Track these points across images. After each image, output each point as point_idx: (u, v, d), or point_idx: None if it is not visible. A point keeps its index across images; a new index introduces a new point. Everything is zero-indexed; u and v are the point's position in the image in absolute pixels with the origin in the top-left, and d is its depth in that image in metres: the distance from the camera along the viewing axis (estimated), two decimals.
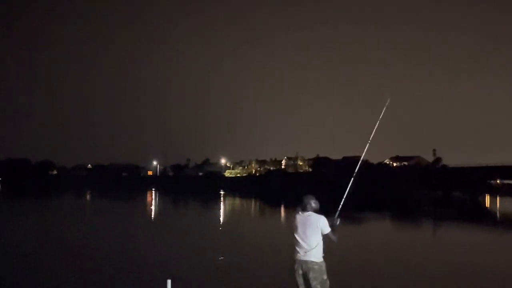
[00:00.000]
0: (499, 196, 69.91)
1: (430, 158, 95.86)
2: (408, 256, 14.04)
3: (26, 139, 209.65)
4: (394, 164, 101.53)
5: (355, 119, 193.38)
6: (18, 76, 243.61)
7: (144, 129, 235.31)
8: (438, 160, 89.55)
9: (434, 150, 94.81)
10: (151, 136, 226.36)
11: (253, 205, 44.41)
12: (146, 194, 62.06)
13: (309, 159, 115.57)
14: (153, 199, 50.34)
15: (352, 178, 6.59)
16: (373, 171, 69.10)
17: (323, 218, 5.89)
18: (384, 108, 6.96)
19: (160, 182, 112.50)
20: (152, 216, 28.14)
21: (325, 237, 5.91)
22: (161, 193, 66.15)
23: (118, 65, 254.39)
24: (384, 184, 66.29)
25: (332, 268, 6.07)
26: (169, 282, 6.00)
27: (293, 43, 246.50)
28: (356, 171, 6.72)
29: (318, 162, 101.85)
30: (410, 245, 17.06)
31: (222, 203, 44.55)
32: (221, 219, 27.13)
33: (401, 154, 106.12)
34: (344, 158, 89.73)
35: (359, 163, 6.87)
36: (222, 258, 12.34)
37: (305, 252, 5.82)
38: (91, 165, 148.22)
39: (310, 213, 5.96)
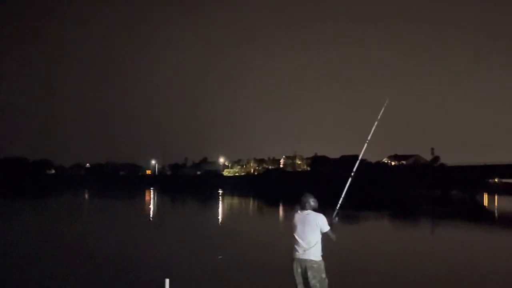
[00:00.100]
0: (497, 195, 70.06)
1: (428, 157, 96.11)
2: (407, 256, 14.03)
3: (23, 138, 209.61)
4: (392, 163, 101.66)
5: (354, 118, 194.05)
6: (16, 75, 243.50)
7: (142, 128, 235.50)
8: (436, 159, 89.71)
9: (432, 149, 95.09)
10: (149, 135, 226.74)
11: (251, 204, 44.39)
12: (145, 193, 62.01)
13: (307, 158, 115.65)
14: (151, 198, 50.30)
15: (350, 178, 6.60)
16: (371, 170, 69.16)
17: (322, 217, 5.91)
18: (383, 109, 7.00)
19: (158, 181, 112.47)
20: (151, 216, 28.11)
21: (324, 236, 5.91)
22: (159, 192, 66.11)
23: (116, 64, 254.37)
24: (382, 183, 66.38)
25: (331, 267, 6.07)
26: (167, 281, 5.99)
27: (292, 43, 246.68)
28: (354, 170, 6.73)
29: (316, 161, 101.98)
30: (409, 244, 17.06)
31: (220, 202, 44.55)
32: (220, 218, 27.13)
33: (399, 153, 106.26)
34: (342, 157, 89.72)
35: (357, 162, 6.88)
36: (220, 257, 12.33)
37: (304, 251, 5.83)
38: (89, 164, 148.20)
39: (309, 211, 5.97)
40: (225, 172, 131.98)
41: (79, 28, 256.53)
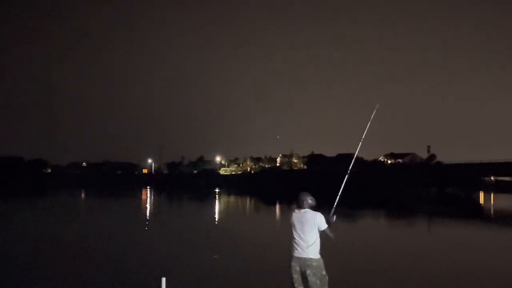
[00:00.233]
0: (492, 192, 70.27)
1: (424, 155, 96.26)
2: (404, 254, 14.05)
3: (19, 137, 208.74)
4: (389, 161, 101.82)
5: (350, 116, 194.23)
6: (15, 75, 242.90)
7: (139, 127, 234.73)
8: (432, 157, 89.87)
9: (429, 147, 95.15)
10: (146, 134, 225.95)
11: (248, 203, 44.40)
12: (141, 192, 61.93)
13: (304, 157, 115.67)
14: (148, 197, 50.24)
15: (347, 176, 6.62)
16: (367, 168, 69.29)
17: (320, 215, 5.92)
18: (373, 114, 7.18)
19: (155, 180, 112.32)
20: (147, 214, 28.07)
21: (322, 234, 5.93)
22: (156, 191, 66.03)
23: (113, 63, 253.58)
24: (379, 181, 66.48)
25: (329, 266, 6.07)
26: (163, 280, 5.98)
27: (288, 42, 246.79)
28: (350, 168, 6.76)
29: (313, 160, 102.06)
30: (406, 242, 17.09)
31: (217, 201, 44.52)
32: (216, 216, 27.11)
33: (395, 151, 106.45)
34: (338, 155, 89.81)
35: (353, 160, 6.94)
36: (216, 256, 12.31)
37: (303, 249, 5.85)
38: (86, 163, 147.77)
39: (307, 210, 5.98)
40: (222, 171, 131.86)
41: (79, 28, 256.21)
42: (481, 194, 64.30)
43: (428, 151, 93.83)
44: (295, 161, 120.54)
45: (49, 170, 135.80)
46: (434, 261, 12.32)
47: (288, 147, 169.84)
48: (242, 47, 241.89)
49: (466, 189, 65.20)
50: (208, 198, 47.97)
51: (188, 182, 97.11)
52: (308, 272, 5.79)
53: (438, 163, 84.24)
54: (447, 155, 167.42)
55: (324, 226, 5.89)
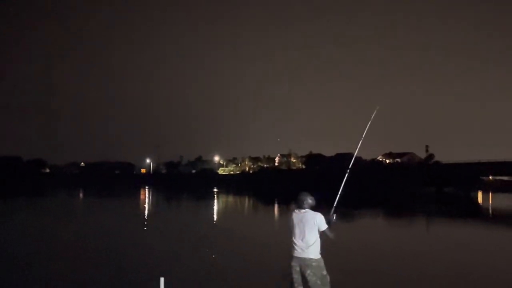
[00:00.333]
0: (491, 192, 70.35)
1: (422, 155, 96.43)
2: (403, 254, 14.05)
3: (18, 137, 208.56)
4: (387, 161, 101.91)
5: (349, 116, 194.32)
6: (13, 75, 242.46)
7: (137, 127, 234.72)
8: (430, 156, 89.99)
9: (427, 146, 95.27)
10: (144, 134, 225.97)
11: (246, 203, 44.38)
12: (140, 192, 61.87)
13: (302, 156, 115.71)
14: (146, 197, 50.18)
15: (347, 174, 6.61)
16: (366, 168, 69.30)
17: (320, 215, 5.92)
18: (372, 116, 7.24)
19: (153, 179, 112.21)
20: (146, 214, 28.04)
21: (322, 235, 5.91)
22: (154, 191, 65.97)
23: (113, 63, 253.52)
24: (377, 181, 66.48)
25: (329, 267, 6.06)
26: (162, 280, 5.97)
27: (286, 41, 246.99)
28: (349, 167, 6.76)
29: (311, 159, 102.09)
30: (405, 242, 17.09)
31: (215, 200, 44.50)
32: (215, 216, 27.09)
33: (394, 151, 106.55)
34: (337, 154, 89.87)
35: (353, 159, 6.94)
36: (214, 256, 12.31)
37: (303, 250, 5.84)
38: (84, 163, 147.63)
39: (307, 210, 5.98)
40: (220, 171, 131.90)
41: (79, 28, 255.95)
42: (480, 194, 64.37)
43: (427, 150, 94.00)
44: (294, 160, 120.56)
45: (48, 170, 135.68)
46: (433, 261, 12.33)
47: (287, 146, 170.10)
48: (242, 47, 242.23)
49: (465, 188, 65.25)
50: (207, 198, 47.93)
51: (186, 182, 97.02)
52: (308, 272, 5.78)
53: (437, 162, 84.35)
54: (446, 155, 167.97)
55: (324, 226, 5.88)
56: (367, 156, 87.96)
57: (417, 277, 10.23)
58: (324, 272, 5.87)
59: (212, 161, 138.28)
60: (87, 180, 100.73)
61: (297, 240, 5.91)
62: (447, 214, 31.74)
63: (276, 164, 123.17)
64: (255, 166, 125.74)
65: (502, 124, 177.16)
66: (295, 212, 6.06)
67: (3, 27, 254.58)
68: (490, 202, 48.89)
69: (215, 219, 25.40)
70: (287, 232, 6.21)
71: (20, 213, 27.41)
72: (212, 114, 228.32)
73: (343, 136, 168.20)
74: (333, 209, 6.20)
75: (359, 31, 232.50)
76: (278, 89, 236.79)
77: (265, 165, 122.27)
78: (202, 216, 27.11)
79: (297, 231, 5.94)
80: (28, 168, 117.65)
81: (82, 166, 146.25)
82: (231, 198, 49.94)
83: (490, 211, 37.18)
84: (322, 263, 5.88)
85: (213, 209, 33.38)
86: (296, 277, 5.89)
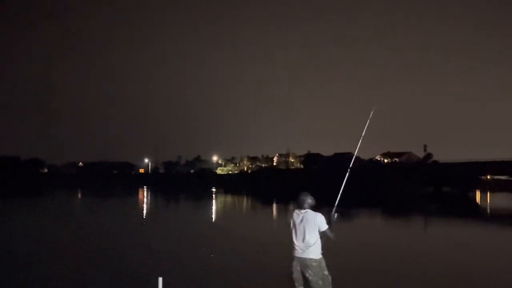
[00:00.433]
0: (489, 191, 70.42)
1: (421, 154, 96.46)
2: (403, 254, 14.04)
3: (16, 136, 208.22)
4: (385, 160, 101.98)
5: (348, 116, 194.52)
6: (13, 75, 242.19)
7: (135, 126, 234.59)
8: (429, 156, 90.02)
9: (425, 146, 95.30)
10: (142, 133, 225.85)
11: (245, 202, 44.35)
12: (138, 191, 61.79)
13: (300, 156, 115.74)
14: (144, 197, 50.13)
15: (347, 173, 6.59)
16: (364, 167, 69.31)
17: (320, 216, 5.90)
18: (370, 116, 7.25)
19: (151, 179, 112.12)
20: (144, 214, 28.00)
21: (322, 235, 5.89)
22: (152, 190, 65.90)
23: (111, 63, 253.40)
24: (375, 181, 66.48)
25: (329, 267, 6.04)
26: (160, 280, 5.95)
27: (286, 41, 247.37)
28: (350, 165, 6.74)
29: (310, 159, 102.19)
30: (404, 241, 17.08)
31: (214, 200, 44.47)
32: (213, 216, 27.07)
33: (392, 150, 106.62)
34: (335, 154, 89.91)
35: (353, 158, 6.93)
36: (212, 256, 12.29)
37: (303, 250, 5.82)
38: (82, 163, 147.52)
39: (307, 210, 5.96)
40: (219, 170, 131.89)
41: (79, 28, 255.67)
42: (478, 193, 64.42)
43: (425, 150, 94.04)
44: (292, 160, 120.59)
45: (46, 170, 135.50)
46: (432, 260, 12.32)
47: (285, 146, 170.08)
48: (242, 47, 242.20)
49: (463, 188, 65.28)
50: (205, 198, 47.90)
51: (185, 182, 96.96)
52: (308, 272, 5.76)
53: (435, 162, 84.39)
54: (446, 155, 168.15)
55: (324, 227, 5.85)
56: (365, 156, 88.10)
57: (417, 277, 10.21)
58: (326, 272, 5.84)
59: (210, 160, 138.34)
60: (85, 180, 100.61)
61: (297, 241, 5.89)
62: (445, 213, 31.75)
63: (274, 163, 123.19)
64: (253, 166, 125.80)
65: (502, 124, 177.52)
66: (295, 212, 6.03)
67: (3, 27, 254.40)
68: (489, 201, 48.92)
69: (213, 218, 25.37)
70: (286, 232, 6.19)
71: (20, 213, 27.37)
72: (212, 114, 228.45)
73: (343, 136, 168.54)
74: (334, 208, 6.18)
75: (359, 31, 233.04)
76: (278, 89, 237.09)
77: (263, 165, 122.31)
78: (201, 216, 27.09)
79: (297, 231, 5.92)
80: (26, 168, 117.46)
81: (80, 166, 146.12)
82: (229, 198, 49.90)
83: (488, 210, 37.20)
84: (323, 263, 5.86)
85: (211, 209, 33.36)
86: (297, 277, 5.87)
